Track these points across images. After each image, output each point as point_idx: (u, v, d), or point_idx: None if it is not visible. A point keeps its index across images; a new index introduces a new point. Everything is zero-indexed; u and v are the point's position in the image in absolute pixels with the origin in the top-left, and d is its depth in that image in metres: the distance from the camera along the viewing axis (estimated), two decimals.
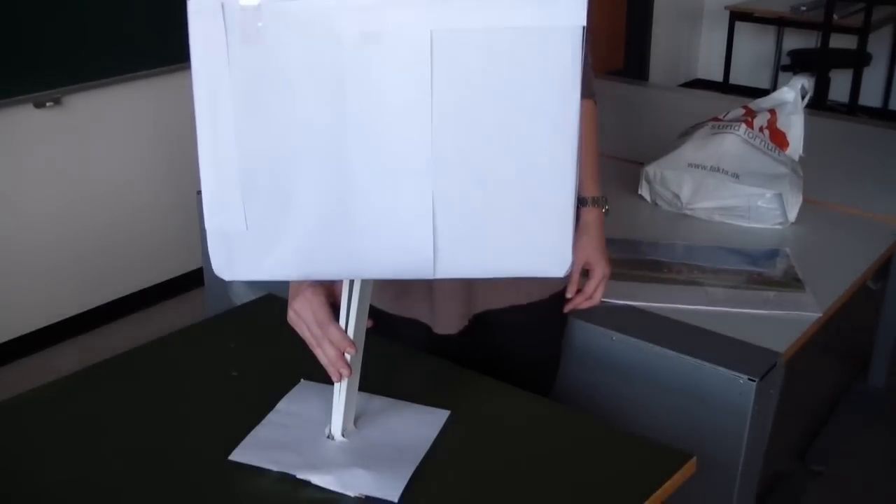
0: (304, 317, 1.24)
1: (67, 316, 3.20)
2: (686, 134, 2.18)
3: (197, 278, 3.01)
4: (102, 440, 1.31)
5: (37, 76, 2.83)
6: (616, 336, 1.62)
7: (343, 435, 1.29)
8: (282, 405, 1.37)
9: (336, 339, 1.22)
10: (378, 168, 0.99)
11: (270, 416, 1.34)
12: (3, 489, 1.21)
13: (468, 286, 1.48)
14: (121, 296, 3.32)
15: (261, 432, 1.30)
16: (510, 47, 0.94)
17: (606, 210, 1.61)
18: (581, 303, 1.60)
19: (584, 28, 0.93)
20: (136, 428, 1.34)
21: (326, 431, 1.30)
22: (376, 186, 1.00)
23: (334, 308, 1.24)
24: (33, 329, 3.12)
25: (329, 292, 1.24)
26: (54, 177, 3.04)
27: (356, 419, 1.32)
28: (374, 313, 1.54)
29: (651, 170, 2.14)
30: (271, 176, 1.01)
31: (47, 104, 2.89)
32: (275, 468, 1.23)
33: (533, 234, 1.02)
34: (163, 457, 1.27)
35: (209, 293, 2.50)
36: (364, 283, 1.20)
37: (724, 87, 5.44)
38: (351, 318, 1.23)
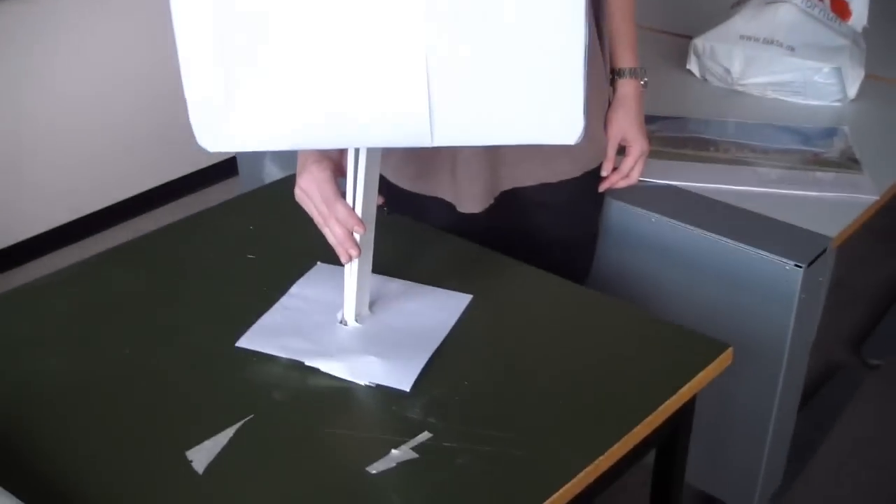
0: (310, 194, 1.15)
1: (108, 204, 3.15)
2: (739, 3, 2.01)
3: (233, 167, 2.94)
4: (110, 325, 1.25)
5: None
6: (655, 217, 1.51)
7: (356, 320, 1.21)
8: (295, 289, 1.29)
9: (343, 217, 1.12)
10: (365, 20, 0.88)
11: (282, 301, 1.26)
12: (7, 377, 1.16)
13: (493, 162, 1.37)
14: (161, 183, 3.26)
15: (270, 317, 1.23)
16: None
17: (645, 82, 1.47)
18: (617, 181, 1.49)
19: None
20: (147, 313, 1.28)
21: (339, 316, 1.22)
22: (363, 42, 0.89)
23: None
24: (78, 216, 3.08)
25: (337, 167, 1.14)
26: (93, 57, 2.95)
27: (371, 303, 1.24)
28: (396, 192, 1.44)
29: (700, 43, 1.98)
30: (248, 33, 0.90)
31: None
32: (283, 355, 1.15)
33: (539, 95, 0.90)
34: (169, 342, 1.21)
35: (244, 181, 2.43)
36: (370, 155, 1.09)
37: None
38: (358, 193, 1.13)
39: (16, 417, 1.08)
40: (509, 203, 1.43)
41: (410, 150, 1.35)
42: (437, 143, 0.94)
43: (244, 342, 1.18)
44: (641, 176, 1.54)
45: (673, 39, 2.22)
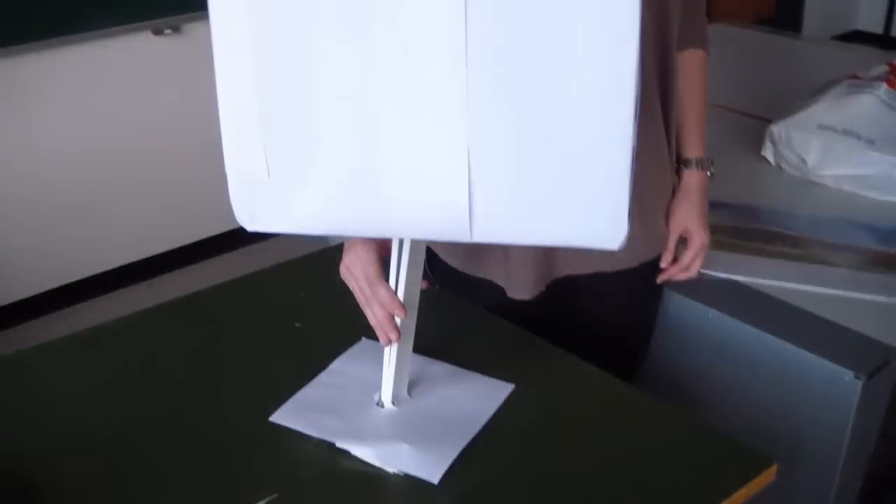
0: (354, 273, 1.14)
1: (153, 254, 3.19)
2: (819, 91, 1.96)
3: None
4: (149, 383, 1.26)
5: (157, 3, 2.80)
6: (713, 313, 1.46)
7: (393, 403, 1.19)
8: (335, 364, 1.28)
9: (384, 300, 1.11)
10: (407, 112, 0.87)
11: (321, 376, 1.25)
12: (40, 428, 1.17)
13: (547, 248, 1.34)
14: (209, 235, 3.28)
15: (307, 393, 1.22)
16: None
17: (711, 173, 1.43)
18: (676, 274, 1.44)
19: None
20: (187, 374, 1.28)
21: (376, 398, 1.20)
22: (406, 133, 0.88)
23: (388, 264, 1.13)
24: (130, 261, 3.13)
25: (383, 247, 1.13)
26: (168, 106, 3.02)
27: (411, 386, 1.22)
28: (447, 269, 1.43)
29: (777, 130, 1.93)
30: (293, 117, 0.90)
31: (165, 31, 2.87)
32: (315, 434, 1.14)
33: (583, 198, 0.88)
34: (205, 407, 1.21)
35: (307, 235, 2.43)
36: (415, 240, 1.08)
37: (884, 41, 5.01)
38: (401, 278, 1.12)
39: (45, 470, 1.09)
40: (563, 290, 1.40)
41: None
42: (476, 240, 0.93)
43: (278, 417, 1.17)
44: (702, 268, 1.49)
45: (749, 121, 2.18)
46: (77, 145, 2.92)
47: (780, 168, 1.97)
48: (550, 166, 0.87)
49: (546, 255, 1.35)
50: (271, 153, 0.91)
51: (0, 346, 2.70)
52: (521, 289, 1.35)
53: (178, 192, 3.15)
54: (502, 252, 1.35)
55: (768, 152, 1.98)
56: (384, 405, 1.19)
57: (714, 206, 1.73)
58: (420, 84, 0.85)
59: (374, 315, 1.13)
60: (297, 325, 1.40)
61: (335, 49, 0.85)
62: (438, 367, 1.27)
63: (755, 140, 2.03)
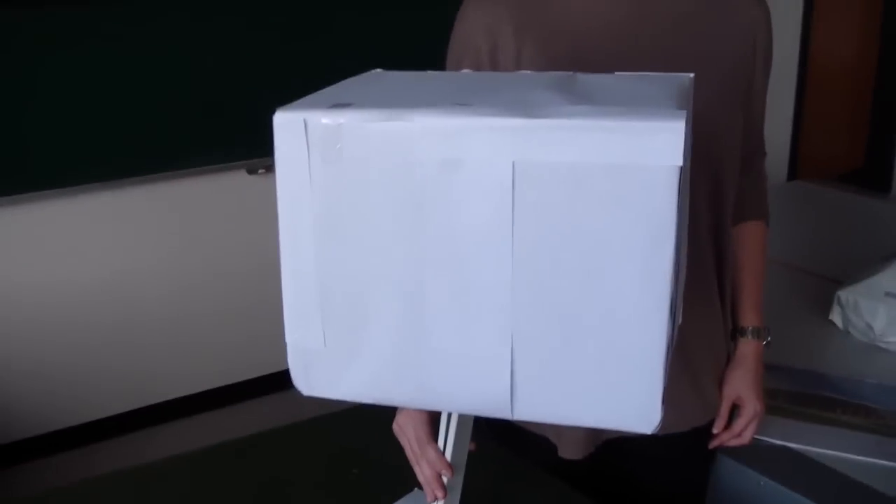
0: (406, 432, 1.19)
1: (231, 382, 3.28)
2: (889, 258, 1.96)
3: None
4: None
5: (251, 143, 2.97)
6: (764, 481, 1.45)
7: None
8: None
9: (432, 460, 1.15)
10: (455, 301, 0.92)
11: None
12: None
13: None
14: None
15: None
16: (598, 185, 0.85)
17: (768, 342, 1.45)
18: (728, 440, 1.44)
19: (680, 168, 0.82)
20: None
21: None
22: (453, 320, 0.93)
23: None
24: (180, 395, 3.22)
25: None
26: (258, 243, 3.16)
27: None
28: (498, 422, 1.45)
29: (844, 295, 1.94)
30: (349, 298, 0.96)
31: (259, 171, 3.03)
32: None
33: (617, 385, 0.91)
34: None
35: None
36: None
37: None
38: (449, 440, 1.16)
39: None
40: (613, 452, 1.42)
41: None
42: (516, 417, 0.97)
43: None
44: (757, 434, 1.49)
45: (819, 282, 2.18)
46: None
47: (848, 332, 1.95)
48: (588, 356, 0.91)
49: None
50: (328, 328, 0.98)
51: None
52: (571, 448, 1.37)
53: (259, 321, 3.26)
54: None
55: (836, 316, 1.98)
56: None
57: (775, 370, 1.74)
58: (468, 276, 0.91)
59: (423, 473, 1.17)
60: (354, 471, 1.44)
61: (390, 239, 0.92)
62: None
63: (825, 301, 2.03)
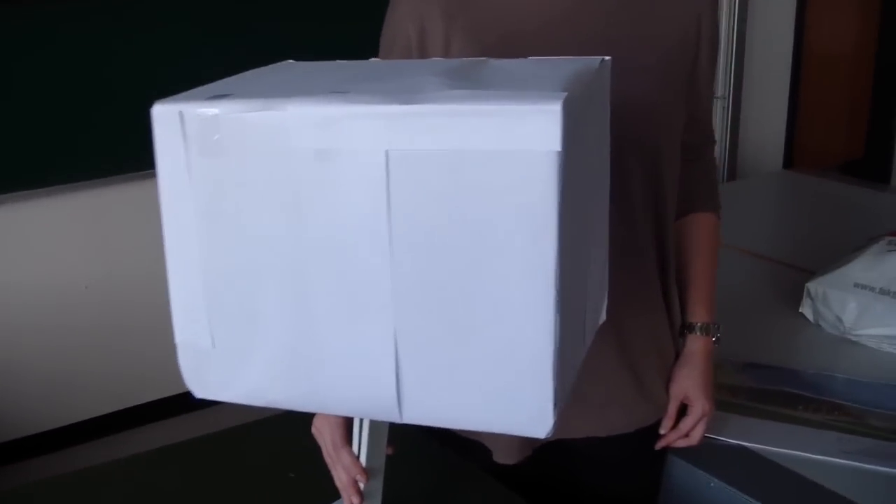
0: (322, 433, 1.16)
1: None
2: (860, 248, 1.90)
3: None
4: None
5: None
6: (714, 483, 1.41)
7: None
8: None
9: (346, 465, 1.12)
10: (338, 297, 0.89)
11: None
12: None
13: None
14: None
15: None
16: (475, 173, 0.80)
17: (717, 339, 1.40)
18: (675, 440, 1.40)
19: (559, 154, 0.78)
20: None
21: None
22: (339, 319, 0.89)
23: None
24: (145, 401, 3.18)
25: None
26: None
27: None
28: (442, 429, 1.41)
29: (813, 287, 1.88)
30: (235, 296, 0.93)
31: None
32: None
33: (507, 387, 0.87)
34: None
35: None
36: None
37: None
38: (363, 444, 1.12)
39: None
40: (558, 453, 1.37)
41: None
42: (406, 421, 0.93)
43: None
44: (713, 433, 1.45)
45: (792, 273, 2.12)
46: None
47: (819, 326, 1.90)
48: (475, 357, 0.86)
49: None
50: (216, 326, 0.94)
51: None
52: (505, 453, 1.33)
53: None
54: None
55: (807, 309, 1.93)
56: None
57: (739, 367, 1.69)
58: (349, 270, 0.87)
59: (338, 478, 1.14)
60: (291, 475, 1.40)
61: (272, 233, 0.88)
62: None
63: (795, 293, 1.98)
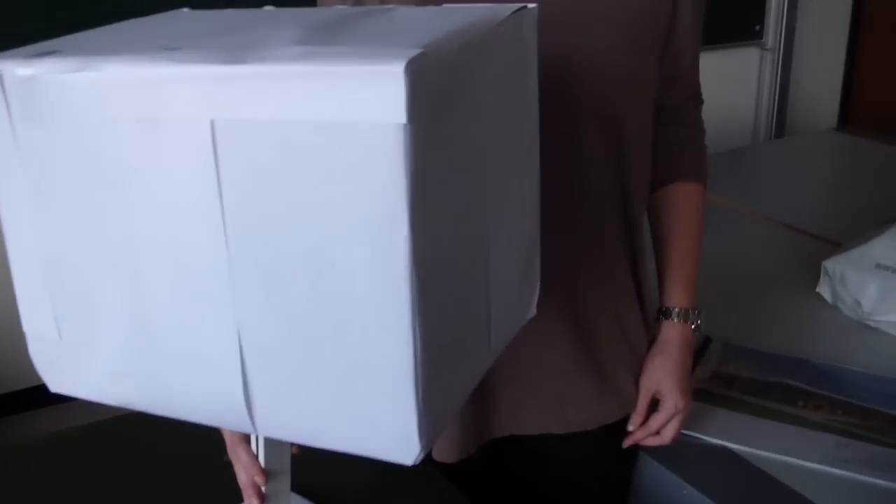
0: (223, 432, 1.04)
1: None
2: (886, 223, 1.71)
3: None
4: None
5: None
6: (687, 490, 1.27)
7: None
8: None
9: (244, 464, 1.01)
10: (176, 289, 0.77)
11: None
12: None
13: (481, 404, 1.19)
14: None
15: None
16: (311, 149, 0.67)
17: (697, 325, 1.25)
18: (643, 438, 1.26)
19: (405, 127, 0.63)
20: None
21: None
22: (177, 312, 0.78)
23: None
24: None
25: None
26: None
27: None
28: None
29: (831, 265, 1.70)
30: (74, 283, 0.82)
31: None
32: None
33: (365, 404, 0.74)
34: None
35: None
36: None
37: None
38: (259, 443, 1.01)
39: None
40: (510, 451, 1.24)
41: None
42: (262, 433, 0.81)
43: None
44: (693, 430, 1.30)
45: (822, 248, 1.93)
46: None
47: (837, 308, 1.72)
48: (330, 364, 0.74)
49: (479, 410, 1.20)
50: (60, 317, 0.83)
51: None
52: (444, 450, 1.20)
53: None
54: None
55: (825, 289, 1.75)
56: None
57: (738, 354, 1.54)
58: (184, 256, 0.75)
59: (238, 478, 1.03)
60: (224, 458, 1.31)
61: (99, 212, 0.77)
62: None
63: (814, 268, 1.79)
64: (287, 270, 0.71)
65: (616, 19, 1.08)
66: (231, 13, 0.92)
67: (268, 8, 0.94)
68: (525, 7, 0.86)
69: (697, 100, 1.29)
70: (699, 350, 1.55)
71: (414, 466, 0.87)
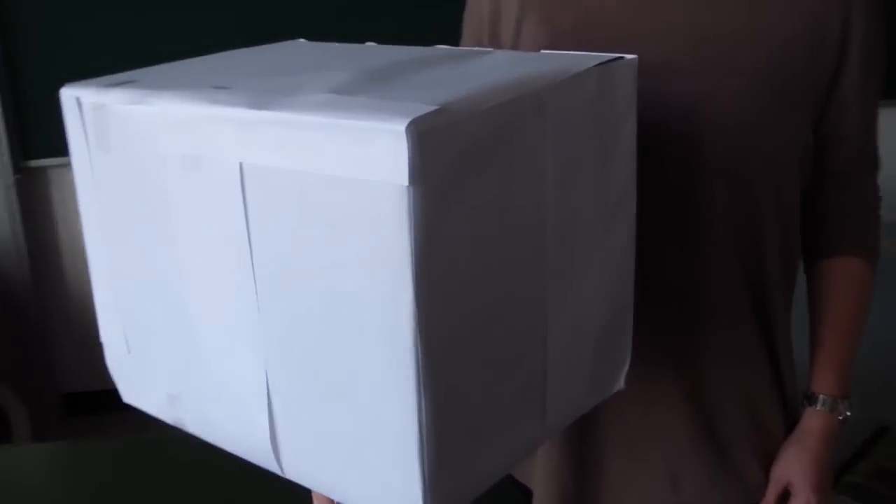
0: None
1: None
2: None
3: None
4: None
5: None
6: None
7: None
8: None
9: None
10: (213, 322, 0.78)
11: None
12: None
13: (587, 466, 1.11)
14: None
15: None
16: (324, 201, 0.66)
17: (846, 417, 1.11)
18: None
19: (409, 188, 0.59)
20: None
21: None
22: (216, 346, 0.79)
23: None
24: None
25: None
26: None
27: None
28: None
29: None
30: (136, 303, 0.84)
31: None
32: None
33: (374, 465, 0.71)
34: None
35: None
36: None
37: None
38: None
39: None
40: None
41: None
42: (288, 476, 0.80)
43: None
44: None
45: None
46: None
47: None
48: (344, 419, 0.73)
49: (585, 476, 1.12)
50: (129, 333, 0.87)
51: None
52: None
53: None
54: (538, 457, 1.15)
55: None
56: None
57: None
58: (220, 291, 0.77)
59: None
60: None
61: (152, 250, 0.80)
62: None
63: None
64: (306, 319, 0.70)
65: (747, 67, 0.98)
66: (322, 48, 0.92)
67: (369, 44, 0.93)
68: (622, 58, 0.79)
69: (870, 164, 1.15)
70: (870, 439, 1.38)
71: None
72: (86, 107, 0.78)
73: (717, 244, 1.04)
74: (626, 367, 0.92)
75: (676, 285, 1.02)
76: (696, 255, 1.03)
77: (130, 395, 0.91)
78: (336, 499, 0.77)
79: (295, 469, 0.77)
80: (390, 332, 0.65)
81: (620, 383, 0.91)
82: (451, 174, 0.63)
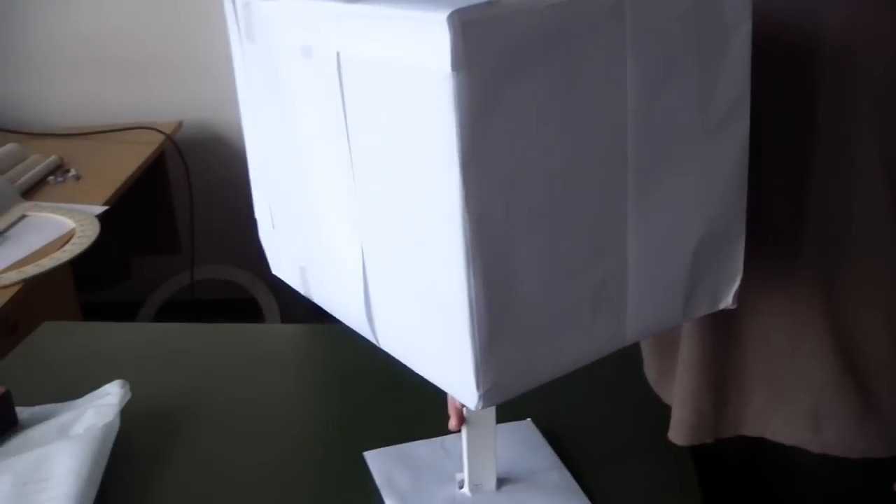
0: None
1: None
2: None
3: None
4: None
5: None
6: None
7: (471, 491, 1.12)
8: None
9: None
10: (326, 199, 0.88)
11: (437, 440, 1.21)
12: None
13: (727, 391, 1.10)
14: None
15: (412, 449, 1.20)
16: (394, 88, 0.73)
17: None
18: None
19: (453, 76, 0.64)
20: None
21: (459, 478, 1.14)
22: (328, 220, 0.89)
23: None
24: None
25: None
26: None
27: (507, 478, 1.14)
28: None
29: None
30: (275, 181, 0.97)
31: None
32: (380, 487, 1.13)
33: (443, 341, 0.78)
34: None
35: None
36: None
37: None
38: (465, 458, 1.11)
39: None
40: (769, 453, 1.14)
41: (659, 340, 1.20)
42: (382, 346, 0.88)
43: (371, 456, 1.19)
44: None
45: None
46: None
47: None
48: (421, 291, 0.81)
49: (723, 401, 1.11)
50: (274, 209, 0.99)
51: None
52: (674, 429, 1.14)
53: None
54: (676, 377, 1.15)
55: None
56: (465, 490, 1.13)
57: None
58: (328, 175, 0.86)
59: (449, 398, 1.11)
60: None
61: (280, 128, 0.90)
62: (554, 474, 1.14)
63: None
64: (390, 202, 0.79)
65: None
66: None
67: None
68: None
69: None
70: None
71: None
72: (238, 2, 0.90)
73: (866, 170, 0.98)
74: (737, 285, 0.91)
75: (822, 214, 0.98)
76: (844, 183, 0.98)
77: (276, 267, 1.03)
78: (420, 373, 0.84)
79: (386, 339, 0.86)
80: (444, 217, 0.72)
81: (729, 300, 0.91)
82: (502, 66, 0.67)
